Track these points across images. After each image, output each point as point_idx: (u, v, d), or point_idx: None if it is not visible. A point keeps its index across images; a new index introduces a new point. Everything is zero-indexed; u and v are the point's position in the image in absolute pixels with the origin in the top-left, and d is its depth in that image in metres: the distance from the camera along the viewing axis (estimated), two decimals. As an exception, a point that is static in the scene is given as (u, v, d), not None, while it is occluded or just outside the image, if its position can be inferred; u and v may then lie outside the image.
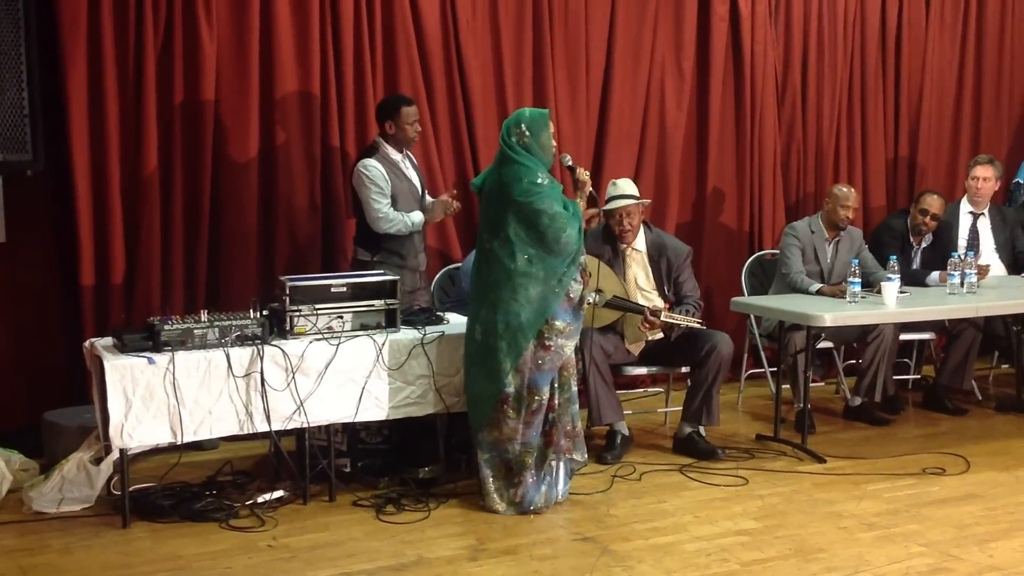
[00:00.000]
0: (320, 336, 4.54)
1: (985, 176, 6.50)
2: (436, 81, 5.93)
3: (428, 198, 5.37)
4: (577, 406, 4.62)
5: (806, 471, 5.07)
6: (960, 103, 7.57)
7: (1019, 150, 7.62)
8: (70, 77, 5.08)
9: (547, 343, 4.44)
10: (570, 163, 4.69)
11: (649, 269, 5.44)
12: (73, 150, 5.12)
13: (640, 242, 5.45)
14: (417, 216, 5.14)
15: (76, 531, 4.27)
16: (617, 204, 5.35)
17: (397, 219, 5.07)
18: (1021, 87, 7.79)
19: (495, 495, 4.51)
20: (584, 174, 4.66)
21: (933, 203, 6.30)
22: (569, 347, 4.51)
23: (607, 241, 5.42)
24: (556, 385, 4.51)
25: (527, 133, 4.46)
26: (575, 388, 4.59)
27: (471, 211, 5.98)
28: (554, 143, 4.55)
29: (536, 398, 4.46)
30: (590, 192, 4.67)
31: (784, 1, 6.92)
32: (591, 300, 5.03)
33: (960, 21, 7.48)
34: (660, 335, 5.42)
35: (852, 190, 6.14)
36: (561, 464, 4.58)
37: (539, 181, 4.41)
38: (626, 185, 5.46)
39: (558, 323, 4.45)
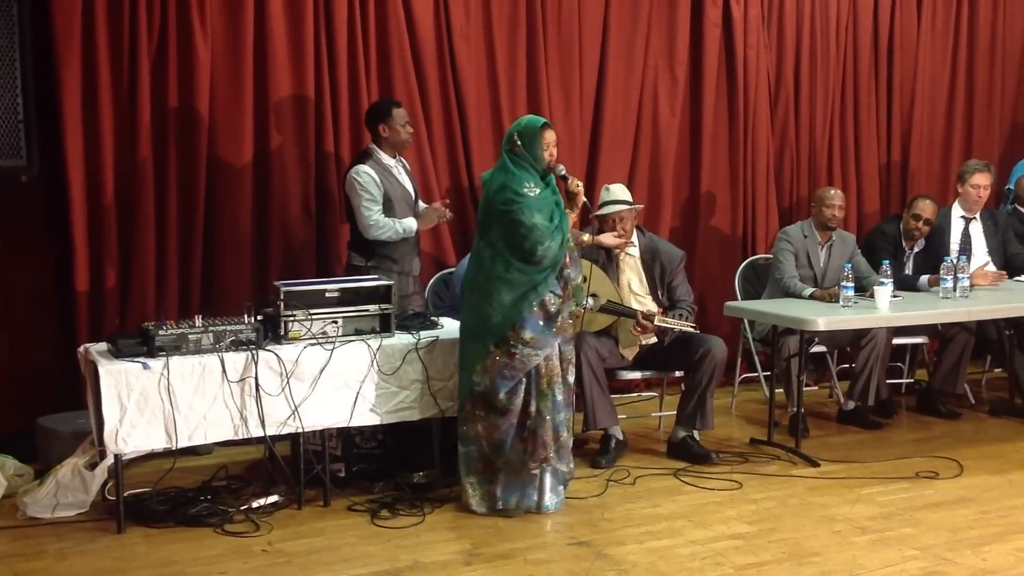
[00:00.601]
0: (314, 341, 4.54)
1: (985, 184, 6.48)
2: (430, 86, 5.93)
3: (422, 204, 5.37)
4: (563, 415, 4.54)
5: (800, 475, 5.08)
6: (952, 108, 7.59)
7: (1010, 155, 7.63)
8: (64, 82, 5.08)
9: (512, 351, 4.41)
10: (563, 173, 4.60)
11: (643, 273, 5.45)
12: (67, 155, 5.12)
13: (633, 247, 5.46)
14: (410, 222, 5.13)
15: (71, 536, 4.26)
16: (610, 209, 5.35)
17: (388, 226, 5.06)
18: (1012, 92, 7.82)
19: (468, 489, 4.52)
20: (577, 185, 4.58)
21: (926, 208, 6.31)
22: (536, 358, 4.43)
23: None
24: (535, 392, 4.46)
25: (519, 142, 4.47)
26: (560, 397, 4.51)
27: (466, 217, 6.00)
28: (551, 152, 4.52)
29: (498, 401, 4.44)
30: (583, 202, 4.62)
31: (777, 6, 6.93)
32: (586, 304, 5.03)
33: (952, 27, 7.51)
34: (654, 339, 5.43)
35: (837, 190, 6.21)
36: (547, 474, 4.53)
37: (523, 191, 4.38)
38: (619, 190, 5.46)
39: (526, 333, 4.40)
